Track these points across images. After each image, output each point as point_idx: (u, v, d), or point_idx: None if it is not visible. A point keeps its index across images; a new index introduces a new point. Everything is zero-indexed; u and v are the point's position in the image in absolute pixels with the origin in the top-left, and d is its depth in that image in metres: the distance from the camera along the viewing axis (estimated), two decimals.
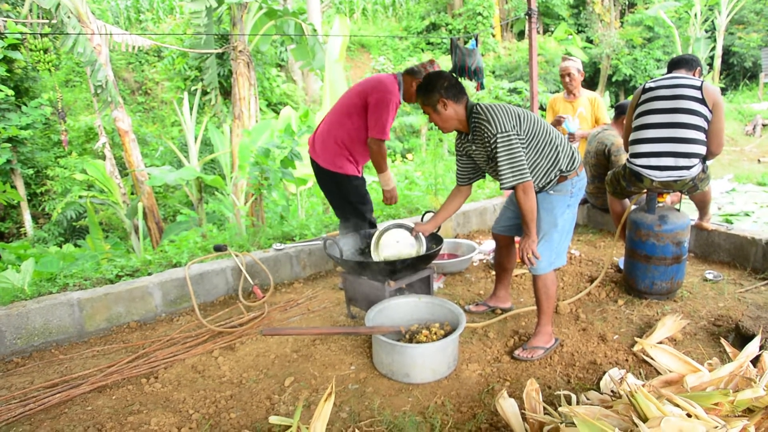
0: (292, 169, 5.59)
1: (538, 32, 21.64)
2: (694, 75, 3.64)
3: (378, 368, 2.93)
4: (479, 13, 21.15)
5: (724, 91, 21.15)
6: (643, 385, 2.19)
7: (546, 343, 3.04)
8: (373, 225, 4.24)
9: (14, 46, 10.49)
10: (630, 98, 4.01)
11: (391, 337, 2.97)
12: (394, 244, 3.63)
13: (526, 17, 5.73)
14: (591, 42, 21.98)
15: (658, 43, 20.69)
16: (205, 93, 11.45)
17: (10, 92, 10.17)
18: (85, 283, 3.85)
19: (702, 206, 4.23)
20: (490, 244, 4.97)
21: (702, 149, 3.43)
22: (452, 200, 3.32)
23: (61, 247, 8.97)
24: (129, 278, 3.99)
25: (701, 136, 3.41)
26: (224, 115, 11.76)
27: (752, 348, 2.63)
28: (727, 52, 21.57)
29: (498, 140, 2.75)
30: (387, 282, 3.32)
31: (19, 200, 10.42)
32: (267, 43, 8.86)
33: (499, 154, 2.76)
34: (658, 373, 2.68)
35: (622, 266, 4.11)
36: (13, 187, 10.74)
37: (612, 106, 16.83)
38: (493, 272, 3.83)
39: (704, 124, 3.40)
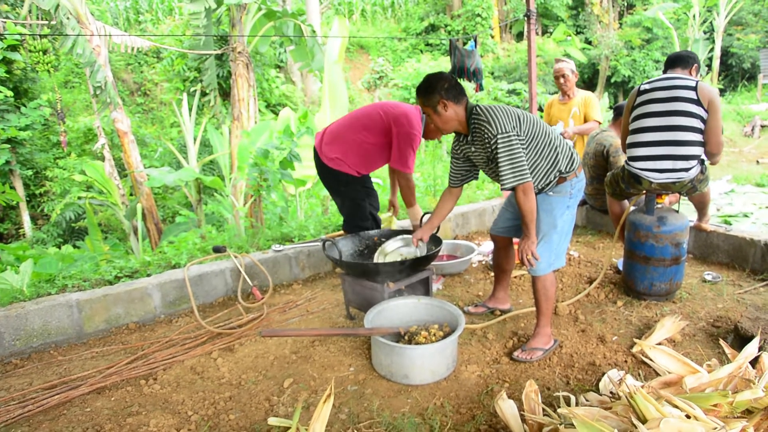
0: (291, 171, 5.59)
1: (537, 33, 21.69)
2: (690, 72, 3.63)
3: (377, 369, 2.93)
4: (478, 15, 21.17)
5: (722, 92, 21.19)
6: (642, 387, 2.19)
7: (545, 345, 3.04)
8: (377, 222, 4.26)
9: (13, 47, 10.48)
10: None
11: (390, 338, 2.97)
12: (397, 256, 3.66)
13: (525, 18, 5.73)
14: (590, 43, 22.01)
15: (657, 44, 20.73)
16: (204, 94, 11.46)
17: (9, 93, 10.15)
18: (84, 285, 3.85)
19: (701, 207, 4.23)
20: (489, 246, 4.97)
21: (699, 150, 3.44)
22: (445, 202, 3.32)
23: (59, 248, 8.96)
24: (128, 279, 3.99)
25: (698, 137, 3.41)
26: (223, 116, 11.77)
27: (751, 349, 2.63)
28: (725, 54, 21.61)
29: (498, 141, 2.75)
30: (386, 283, 3.32)
31: (18, 201, 10.41)
32: (266, 44, 8.86)
33: (499, 155, 2.76)
34: (657, 375, 2.69)
35: (621, 267, 4.11)
36: (12, 188, 10.73)
37: (611, 108, 16.83)
38: (492, 273, 3.84)
39: (700, 125, 3.39)
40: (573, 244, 5.12)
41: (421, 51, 22.34)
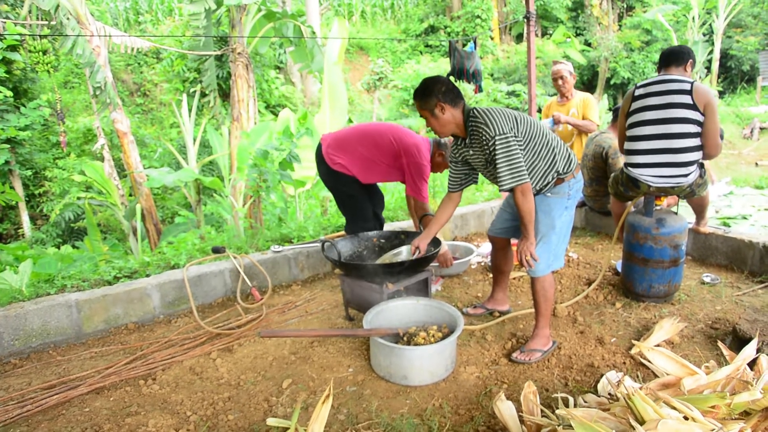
0: (290, 171, 5.60)
1: (537, 35, 21.72)
2: (686, 69, 3.55)
3: (376, 370, 2.93)
4: (478, 16, 21.20)
5: (721, 94, 21.22)
6: (641, 388, 2.19)
7: (544, 346, 3.04)
8: (381, 222, 4.28)
9: (13, 48, 10.49)
10: None
11: (389, 339, 2.97)
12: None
13: (525, 20, 5.74)
14: (589, 45, 22.05)
15: (656, 46, 20.76)
16: (203, 95, 11.47)
17: (9, 93, 10.17)
18: (83, 285, 3.85)
19: (699, 210, 4.23)
20: (488, 247, 4.97)
21: (697, 155, 3.42)
22: (444, 209, 3.30)
23: (59, 248, 8.97)
24: (127, 280, 3.99)
25: (695, 142, 3.38)
26: (223, 117, 11.77)
27: (749, 351, 2.63)
28: (724, 56, 21.65)
29: (496, 142, 2.76)
30: (385, 284, 3.33)
31: (17, 201, 10.41)
32: (266, 45, 8.86)
33: (497, 157, 2.77)
34: (656, 376, 2.69)
35: (619, 269, 4.11)
36: (12, 188, 10.73)
37: (610, 109, 16.86)
38: (491, 275, 3.84)
39: (697, 129, 3.35)
40: (572, 246, 5.12)
41: (421, 52, 22.38)
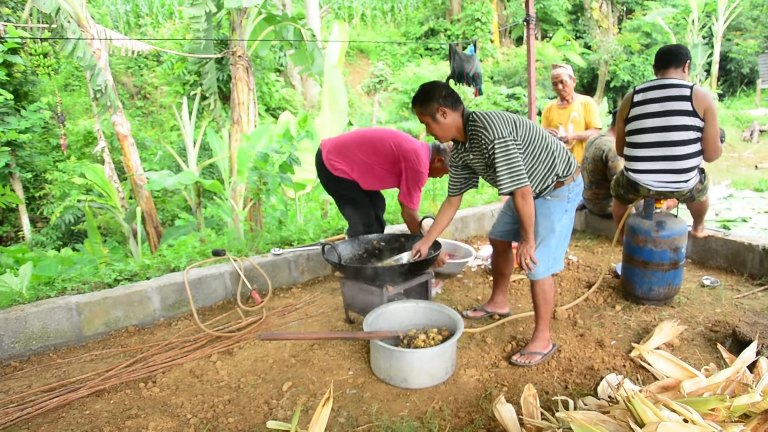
0: (290, 174, 5.60)
1: (537, 38, 21.75)
2: (684, 70, 3.49)
3: (376, 373, 2.93)
4: (478, 19, 21.24)
5: (721, 97, 21.24)
6: (640, 391, 2.19)
7: (543, 349, 3.04)
8: (382, 225, 4.29)
9: (14, 50, 10.50)
10: None
11: (389, 342, 2.97)
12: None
13: (525, 23, 5.75)
14: (589, 48, 22.08)
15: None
16: (204, 98, 11.49)
17: (10, 96, 10.18)
18: (84, 287, 3.85)
19: (697, 216, 4.21)
20: (488, 250, 4.97)
21: (698, 161, 3.41)
22: (444, 213, 3.32)
23: (59, 251, 8.97)
24: (127, 282, 3.99)
25: (695, 148, 3.37)
26: (223, 120, 11.78)
27: (749, 354, 2.64)
28: (724, 59, 21.68)
29: (496, 146, 2.76)
30: (385, 287, 3.33)
31: (17, 204, 10.42)
32: (266, 48, 8.89)
33: (497, 161, 2.77)
34: (656, 379, 2.69)
35: (619, 272, 4.11)
36: (12, 190, 10.74)
37: (610, 112, 16.88)
38: (491, 278, 3.84)
39: (697, 135, 3.34)
40: (572, 249, 5.13)
41: (421, 55, 22.41)
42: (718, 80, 21.77)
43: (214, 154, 8.14)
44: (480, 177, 3.22)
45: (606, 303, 3.83)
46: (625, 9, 25.00)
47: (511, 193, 2.82)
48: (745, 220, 5.65)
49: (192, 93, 12.94)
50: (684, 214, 4.17)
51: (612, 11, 23.83)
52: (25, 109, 11.01)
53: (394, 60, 22.28)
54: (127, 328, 3.71)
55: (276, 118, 14.07)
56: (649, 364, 2.80)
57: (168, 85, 15.51)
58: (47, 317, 3.41)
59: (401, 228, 5.11)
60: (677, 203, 4.20)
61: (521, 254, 2.91)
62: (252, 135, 7.17)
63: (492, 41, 22.23)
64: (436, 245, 3.65)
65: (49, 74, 10.89)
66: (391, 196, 7.31)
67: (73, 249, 9.03)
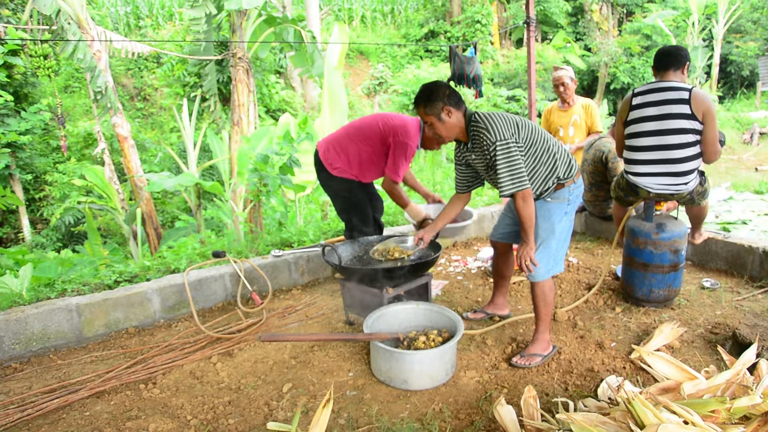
0: (290, 176, 5.61)
1: (537, 40, 21.77)
2: (683, 72, 3.48)
3: (376, 375, 2.93)
4: (478, 21, 21.26)
5: (721, 99, 21.26)
6: (641, 393, 2.19)
7: (544, 351, 3.04)
8: (380, 227, 4.29)
9: (14, 52, 10.51)
10: None
11: (389, 343, 2.97)
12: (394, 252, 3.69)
13: (525, 25, 5.76)
14: (589, 50, 22.10)
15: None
16: (204, 99, 11.48)
17: (10, 98, 10.19)
18: (84, 289, 3.85)
19: (696, 222, 4.18)
20: (488, 252, 4.98)
21: (697, 163, 3.41)
22: (451, 207, 3.31)
23: (59, 252, 8.97)
24: (127, 284, 3.99)
25: (694, 151, 3.37)
26: (223, 122, 11.78)
27: (749, 356, 2.64)
28: (724, 61, 21.70)
29: (497, 148, 2.76)
30: (385, 289, 3.33)
31: (17, 205, 10.42)
32: (266, 49, 8.89)
33: (498, 162, 2.77)
34: (656, 381, 2.69)
35: (619, 274, 4.12)
36: (12, 192, 10.75)
37: (610, 114, 16.91)
38: (491, 280, 3.84)
39: (696, 138, 3.33)
40: (572, 251, 5.13)
41: (421, 57, 22.42)
42: (718, 83, 21.79)
43: (214, 156, 8.14)
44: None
45: (606, 305, 3.83)
46: (625, 11, 25.03)
47: (512, 195, 2.82)
48: (745, 223, 5.66)
49: (192, 95, 12.94)
50: (684, 216, 4.17)
51: (612, 13, 23.86)
52: (25, 110, 11.03)
53: (394, 62, 22.29)
54: (127, 329, 3.71)
55: (276, 119, 14.08)
56: (650, 366, 2.80)
57: (168, 86, 15.51)
58: (47, 319, 3.41)
59: (401, 230, 5.12)
60: (677, 205, 4.20)
61: (521, 256, 2.91)
62: (252, 137, 7.17)
63: (492, 43, 22.26)
64: (437, 246, 3.66)
65: (49, 76, 10.86)
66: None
67: (73, 250, 9.03)
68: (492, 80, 19.65)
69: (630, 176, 3.59)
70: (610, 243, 5.20)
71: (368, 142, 3.87)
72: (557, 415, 2.20)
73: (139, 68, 17.87)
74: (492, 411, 2.47)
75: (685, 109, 3.29)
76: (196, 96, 11.61)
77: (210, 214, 8.78)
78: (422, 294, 3.67)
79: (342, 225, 5.24)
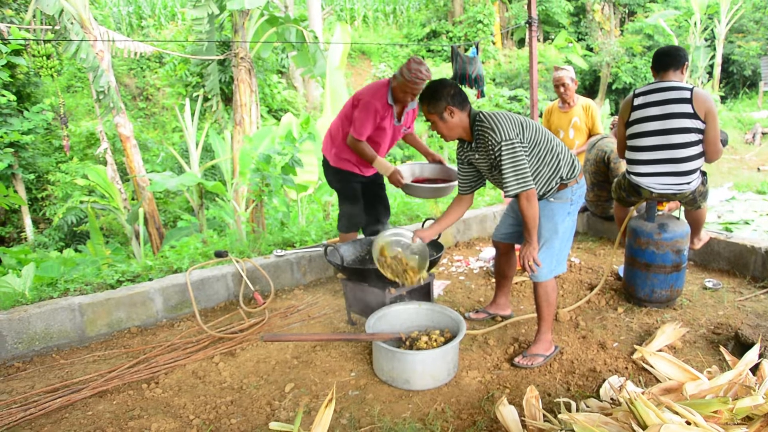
0: (292, 176, 5.61)
1: (539, 40, 21.71)
2: (682, 72, 3.49)
3: (378, 375, 2.93)
4: (480, 21, 21.24)
5: (723, 99, 21.23)
6: (643, 393, 2.19)
7: (546, 351, 3.04)
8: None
9: (17, 52, 10.53)
10: None
11: (391, 343, 2.97)
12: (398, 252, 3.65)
13: (527, 25, 5.76)
14: (591, 50, 22.08)
15: None
16: (206, 99, 11.49)
17: (13, 97, 10.20)
18: (86, 288, 3.86)
19: (695, 226, 4.15)
20: (490, 252, 4.98)
21: (699, 162, 3.42)
22: (454, 209, 3.29)
23: (61, 252, 8.98)
24: (130, 284, 4.00)
25: (697, 150, 3.37)
26: (225, 122, 11.80)
27: (751, 356, 2.64)
28: (726, 61, 21.67)
29: (502, 148, 2.76)
30: (387, 289, 3.33)
31: (20, 204, 10.44)
32: (268, 50, 8.89)
33: (503, 163, 2.77)
34: (658, 381, 2.69)
35: (621, 274, 4.12)
36: (15, 191, 10.76)
37: (612, 114, 16.88)
38: (494, 280, 3.84)
39: (699, 137, 3.34)
40: (574, 251, 5.12)
41: (423, 57, 22.38)
42: (721, 82, 21.75)
43: (216, 156, 8.14)
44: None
45: (608, 305, 3.83)
46: (627, 11, 25.00)
47: (516, 196, 2.82)
48: (747, 223, 5.65)
49: (194, 94, 12.95)
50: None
51: (614, 13, 23.85)
52: (27, 110, 11.04)
53: (396, 62, 22.26)
54: (129, 329, 3.72)
55: (278, 119, 14.08)
56: (652, 367, 2.80)
57: (170, 86, 15.54)
58: (50, 318, 3.42)
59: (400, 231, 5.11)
60: (679, 205, 4.20)
61: (525, 256, 2.91)
62: (254, 137, 7.18)
63: (494, 43, 22.24)
64: (438, 246, 3.66)
65: (52, 76, 10.90)
66: (392, 198, 7.32)
67: (76, 250, 9.04)
68: (494, 80, 19.65)
69: (632, 176, 3.59)
70: (612, 243, 5.20)
71: (346, 118, 3.91)
72: (559, 416, 2.20)
73: (142, 68, 17.88)
74: (494, 411, 2.47)
75: (687, 108, 3.30)
76: (198, 96, 11.61)
77: (212, 213, 8.78)
78: (424, 294, 3.67)
79: None
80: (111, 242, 9.76)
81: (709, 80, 21.32)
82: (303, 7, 19.65)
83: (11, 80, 10.72)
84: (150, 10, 22.64)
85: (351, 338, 3.24)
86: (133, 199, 9.72)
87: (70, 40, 7.26)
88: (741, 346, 2.86)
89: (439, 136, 3.06)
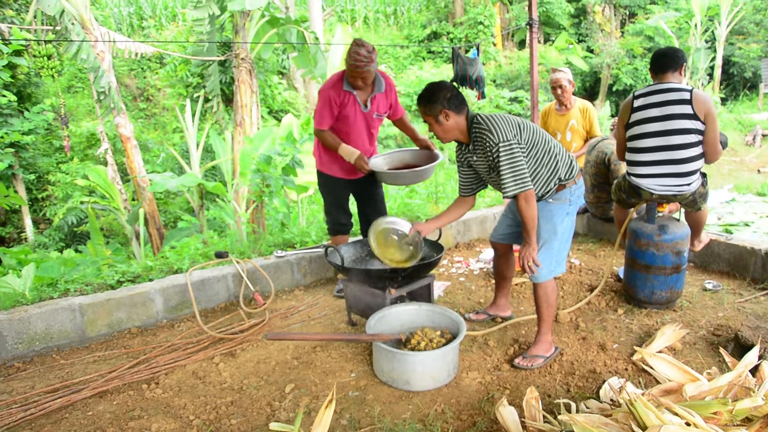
0: (293, 177, 5.61)
1: (539, 41, 21.76)
2: (681, 73, 3.49)
3: (378, 376, 2.94)
4: (480, 22, 21.23)
5: (724, 101, 21.22)
6: (643, 394, 2.20)
7: (546, 352, 3.05)
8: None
9: (18, 52, 10.53)
10: None
11: (391, 344, 2.98)
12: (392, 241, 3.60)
13: (527, 27, 5.77)
14: (592, 51, 22.07)
15: None
16: (207, 100, 11.48)
17: (13, 98, 10.21)
18: (87, 289, 3.86)
19: (696, 228, 4.15)
20: (490, 253, 4.98)
21: (699, 164, 3.42)
22: (455, 208, 3.30)
23: (62, 252, 8.98)
24: (130, 284, 4.00)
25: (697, 151, 3.38)
26: (226, 122, 11.80)
27: (751, 358, 2.64)
28: (727, 63, 21.65)
29: (500, 150, 2.77)
30: (388, 290, 3.33)
31: (20, 205, 10.44)
32: (269, 50, 8.89)
33: (501, 164, 2.78)
34: (658, 382, 2.69)
35: (622, 275, 4.12)
36: (15, 192, 10.76)
37: (612, 116, 16.88)
38: (494, 281, 3.84)
39: (699, 138, 3.35)
40: (574, 252, 5.13)
41: (424, 58, 22.40)
42: (721, 84, 21.74)
43: (216, 157, 8.14)
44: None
45: (608, 306, 3.83)
46: (627, 13, 24.99)
47: (515, 197, 2.83)
48: (747, 224, 5.65)
49: (195, 95, 12.95)
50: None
51: (614, 15, 23.84)
52: (28, 110, 11.05)
53: (397, 63, 22.28)
54: (130, 329, 3.72)
55: (279, 120, 14.08)
56: (652, 368, 2.80)
57: (171, 87, 15.54)
58: (50, 318, 3.42)
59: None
60: (679, 207, 4.20)
61: (524, 257, 2.91)
62: (255, 137, 7.18)
63: (495, 44, 22.23)
64: (438, 247, 3.66)
65: (52, 76, 10.92)
66: (392, 198, 7.33)
67: (76, 250, 9.04)
68: (494, 81, 19.64)
69: (633, 178, 3.59)
70: (612, 244, 5.20)
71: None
72: (559, 417, 2.20)
73: (142, 69, 17.89)
74: (494, 412, 2.48)
75: (687, 109, 3.31)
76: (198, 97, 11.60)
77: (212, 214, 8.78)
78: (425, 295, 3.68)
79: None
80: (111, 243, 9.77)
81: (709, 82, 21.30)
82: (304, 8, 19.65)
83: (12, 80, 10.72)
84: (151, 11, 22.65)
85: (352, 339, 3.24)
86: (133, 199, 9.73)
87: (71, 41, 7.27)
88: (741, 348, 2.86)
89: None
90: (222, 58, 9.76)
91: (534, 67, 5.75)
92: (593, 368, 2.93)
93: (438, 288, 4.31)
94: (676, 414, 1.96)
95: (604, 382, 2.72)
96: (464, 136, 2.99)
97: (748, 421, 2.03)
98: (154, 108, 17.26)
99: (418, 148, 4.22)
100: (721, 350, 2.95)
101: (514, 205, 3.07)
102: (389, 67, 20.26)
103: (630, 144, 3.60)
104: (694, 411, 1.98)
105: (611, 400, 2.51)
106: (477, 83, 6.04)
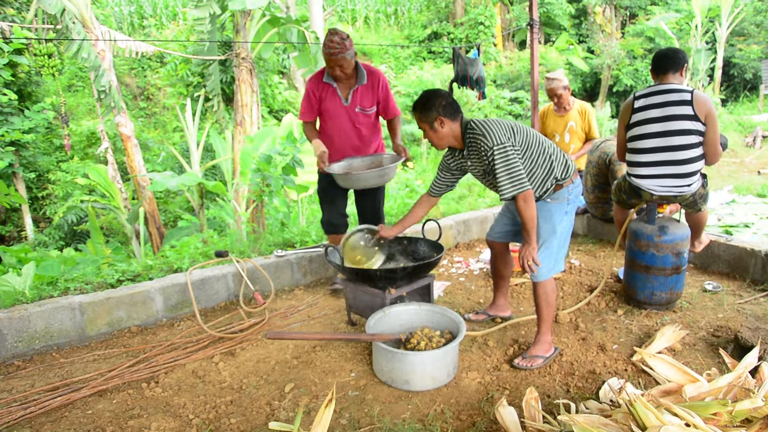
0: (293, 176, 5.61)
1: (540, 42, 21.74)
2: (681, 74, 3.49)
3: (378, 375, 2.94)
4: (481, 23, 21.23)
5: (724, 102, 21.22)
6: (642, 395, 2.20)
7: (545, 352, 3.05)
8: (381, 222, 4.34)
9: (19, 51, 10.52)
10: None
11: (391, 344, 2.98)
12: (359, 246, 3.81)
13: (528, 27, 5.77)
14: (592, 52, 22.06)
15: None
16: (207, 99, 11.49)
17: (14, 96, 10.19)
18: (87, 288, 3.86)
19: (696, 229, 4.14)
20: (489, 253, 4.98)
21: (700, 165, 3.42)
22: (419, 208, 3.42)
23: (61, 251, 8.97)
24: (130, 283, 4.00)
25: (698, 152, 3.38)
26: (226, 122, 11.80)
27: (751, 359, 2.64)
28: (727, 64, 21.66)
29: (495, 153, 2.80)
30: (387, 290, 3.34)
31: (21, 203, 10.44)
32: (269, 50, 8.90)
33: (497, 166, 2.81)
34: (657, 383, 2.69)
35: (621, 276, 4.12)
36: (15, 190, 10.75)
37: (613, 116, 16.89)
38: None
39: (699, 139, 3.35)
40: (574, 253, 5.13)
41: (424, 58, 22.39)
42: (721, 85, 21.74)
43: (217, 156, 8.15)
44: (479, 182, 3.26)
45: (608, 307, 3.83)
46: (628, 13, 24.99)
47: (513, 198, 2.84)
48: (747, 226, 5.66)
49: (195, 94, 12.95)
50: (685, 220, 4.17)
51: (615, 16, 23.84)
52: (29, 109, 11.03)
53: (398, 63, 22.27)
54: (129, 328, 3.72)
55: (279, 120, 14.09)
56: (651, 369, 2.80)
57: (171, 86, 15.54)
58: (50, 317, 3.42)
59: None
60: (679, 208, 4.20)
61: (524, 256, 2.92)
62: (255, 137, 7.19)
63: (495, 45, 22.23)
64: (439, 248, 3.66)
65: (53, 75, 10.89)
66: (393, 199, 7.33)
67: (76, 249, 9.03)
68: (495, 82, 19.63)
69: (633, 179, 3.59)
70: (612, 245, 5.20)
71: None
72: (559, 417, 2.20)
73: (143, 68, 17.88)
74: (493, 412, 2.48)
75: (688, 110, 3.32)
76: (199, 96, 11.61)
77: (212, 213, 8.78)
78: (424, 295, 3.68)
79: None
80: (111, 241, 9.77)
81: (709, 83, 21.31)
82: (304, 7, 19.63)
83: (13, 79, 10.71)
84: (151, 10, 22.65)
85: (351, 338, 3.24)
86: (133, 198, 9.73)
87: (72, 40, 7.27)
88: (740, 349, 2.86)
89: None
90: (222, 57, 9.77)
91: (534, 68, 5.75)
92: (593, 369, 2.93)
93: (438, 288, 4.32)
94: (675, 415, 1.96)
95: (603, 382, 2.72)
96: (458, 142, 3.04)
97: (747, 422, 2.04)
98: (154, 107, 17.26)
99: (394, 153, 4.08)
100: (721, 351, 2.95)
101: (513, 205, 3.12)
102: (389, 67, 20.25)
103: (630, 145, 3.60)
104: (693, 412, 1.98)
105: (611, 400, 2.51)
106: (477, 84, 6.04)
